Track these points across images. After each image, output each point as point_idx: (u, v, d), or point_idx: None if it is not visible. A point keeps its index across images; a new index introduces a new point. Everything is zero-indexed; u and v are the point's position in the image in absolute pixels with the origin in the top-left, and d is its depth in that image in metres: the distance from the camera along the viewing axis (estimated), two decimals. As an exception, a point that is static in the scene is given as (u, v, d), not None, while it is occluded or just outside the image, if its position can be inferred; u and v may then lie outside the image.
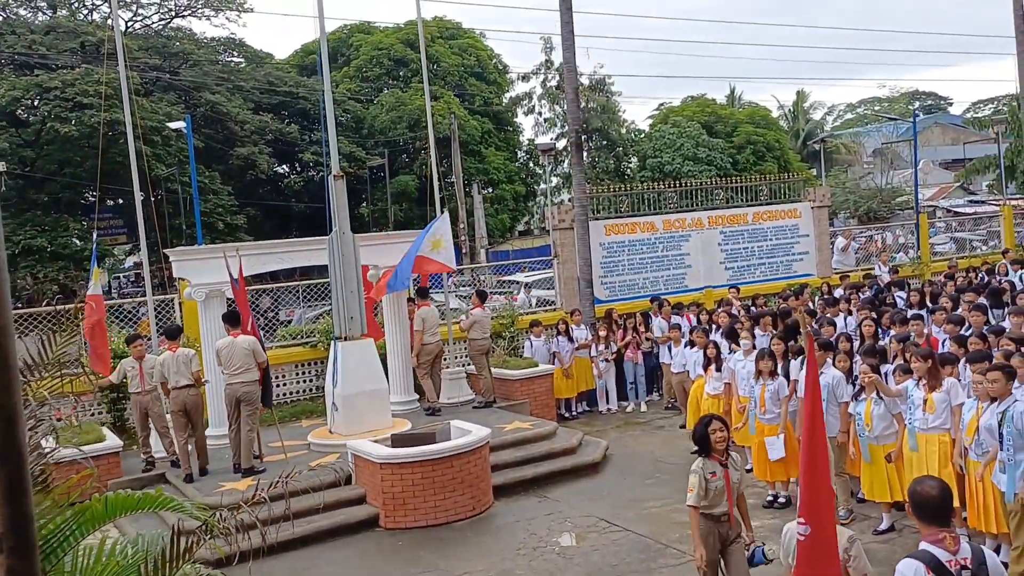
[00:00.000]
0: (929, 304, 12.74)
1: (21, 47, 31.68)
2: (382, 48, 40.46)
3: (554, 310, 16.73)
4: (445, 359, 14.34)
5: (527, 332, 14.88)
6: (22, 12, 35.87)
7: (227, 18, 38.55)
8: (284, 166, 40.16)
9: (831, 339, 9.81)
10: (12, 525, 1.48)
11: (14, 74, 31.20)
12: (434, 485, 9.44)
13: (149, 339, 11.86)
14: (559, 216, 16.89)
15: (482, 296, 14.33)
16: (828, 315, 12.36)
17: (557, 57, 38.42)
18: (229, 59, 39.29)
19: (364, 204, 39.03)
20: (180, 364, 10.46)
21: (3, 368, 1.51)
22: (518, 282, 19.59)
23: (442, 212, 13.59)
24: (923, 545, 4.14)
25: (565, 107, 19.67)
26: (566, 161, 38.85)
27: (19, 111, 31.46)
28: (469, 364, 14.20)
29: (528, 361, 14.02)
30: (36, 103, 31.03)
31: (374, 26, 43.07)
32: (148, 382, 10.82)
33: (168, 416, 10.80)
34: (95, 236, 13.41)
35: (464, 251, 34.79)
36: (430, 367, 13.14)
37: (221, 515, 3.50)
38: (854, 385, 8.78)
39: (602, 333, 14.60)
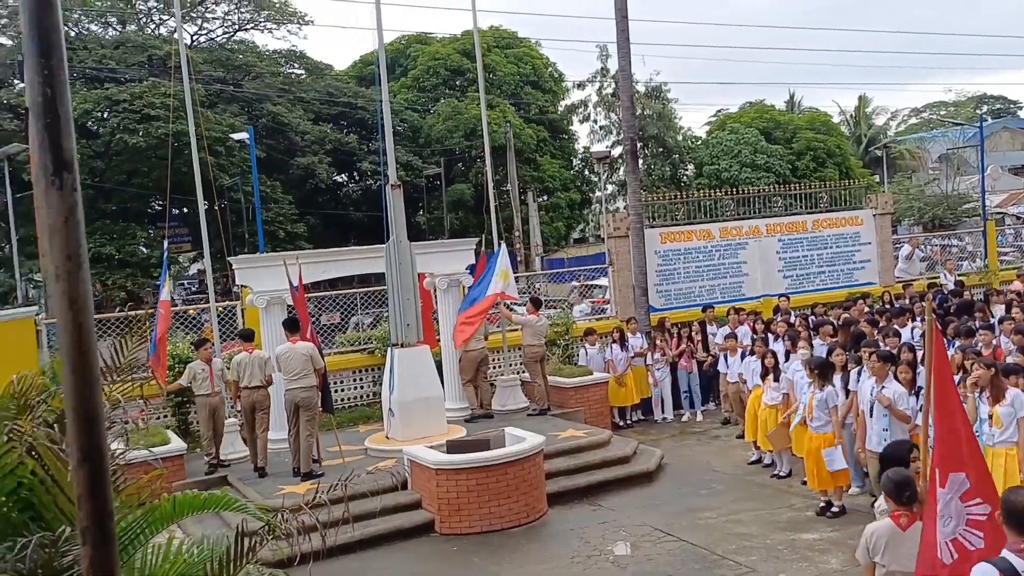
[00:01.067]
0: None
1: (92, 61, 32.85)
2: (439, 58, 40.86)
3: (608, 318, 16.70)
4: (498, 366, 14.43)
5: (581, 340, 14.87)
6: (93, 28, 37.20)
7: (288, 31, 39.44)
8: (343, 175, 40.82)
9: (893, 351, 9.60)
10: (94, 520, 1.58)
11: (85, 87, 32.34)
12: (488, 492, 9.49)
13: (213, 343, 12.19)
14: (614, 224, 16.86)
15: (536, 303, 14.36)
16: (894, 325, 12.07)
17: (613, 65, 38.39)
18: (290, 71, 40.14)
19: (421, 212, 39.45)
20: (255, 365, 10.78)
21: (85, 372, 1.61)
22: (602, 286, 19.45)
23: (500, 243, 13.68)
24: (1004, 552, 4.07)
25: (620, 114, 19.60)
26: (621, 168, 38.75)
27: (89, 123, 32.61)
28: (523, 371, 14.24)
29: (582, 369, 14.01)
30: (106, 115, 32.14)
31: (431, 37, 43.54)
32: (217, 384, 11.15)
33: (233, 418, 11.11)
34: (166, 244, 13.87)
35: (519, 259, 34.88)
36: (473, 374, 13.24)
37: (283, 516, 3.60)
38: (918, 397, 8.57)
39: (658, 342, 14.54)
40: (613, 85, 39.81)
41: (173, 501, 3.42)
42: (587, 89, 43.98)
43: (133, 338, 4.10)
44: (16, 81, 32.10)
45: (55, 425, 3.27)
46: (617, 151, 37.72)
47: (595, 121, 44.18)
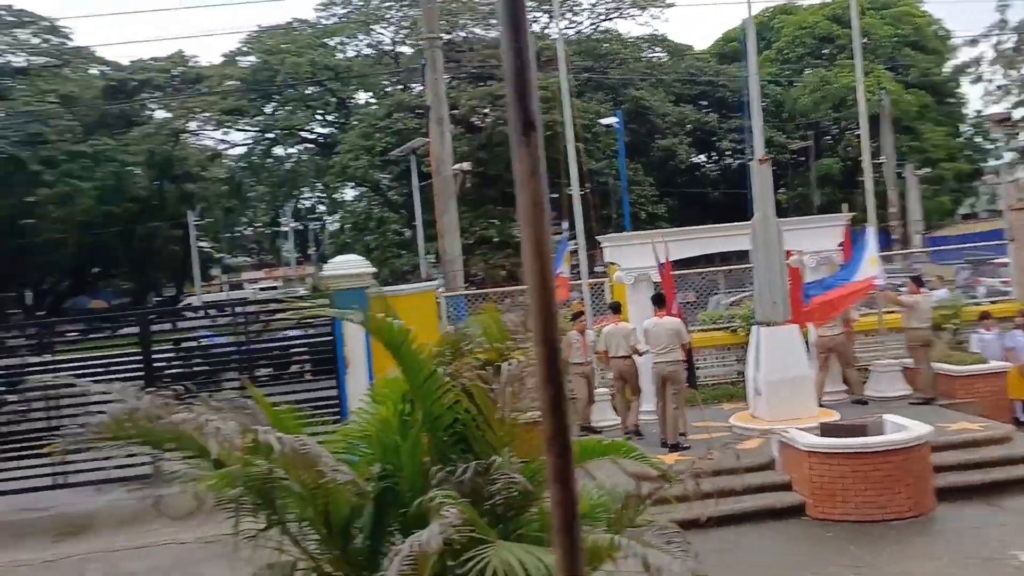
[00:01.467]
0: None
1: (477, 61, 36.24)
2: (805, 27, 38.98)
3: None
4: (870, 350, 13.54)
5: (975, 325, 13.36)
6: (477, 31, 40.99)
7: (651, 16, 40.13)
8: (701, 155, 40.70)
9: None
10: (555, 432, 1.83)
11: (471, 86, 35.80)
12: (866, 480, 8.97)
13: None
14: (1017, 195, 14.86)
15: (918, 282, 13.20)
16: None
17: (1014, 15, 33.62)
18: (652, 55, 40.85)
19: (782, 189, 38.06)
20: (621, 336, 11.36)
21: (547, 306, 1.87)
22: (1004, 264, 17.38)
23: (871, 222, 12.83)
24: None
25: (1026, 70, 17.17)
26: (1023, 132, 33.86)
27: (473, 119, 36.03)
28: (903, 356, 13.14)
29: (975, 357, 12.57)
30: (488, 110, 35.31)
31: (796, 6, 41.58)
32: (589, 354, 11.89)
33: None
34: (564, 225, 15.27)
35: (895, 237, 32.15)
36: (825, 359, 12.53)
37: (677, 473, 3.79)
38: None
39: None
40: (1015, 38, 34.88)
41: (579, 445, 3.76)
42: (981, 46, 39.05)
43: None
44: (415, 85, 36.50)
45: (485, 368, 3.77)
46: (1019, 113, 33.00)
47: (990, 81, 39.13)
